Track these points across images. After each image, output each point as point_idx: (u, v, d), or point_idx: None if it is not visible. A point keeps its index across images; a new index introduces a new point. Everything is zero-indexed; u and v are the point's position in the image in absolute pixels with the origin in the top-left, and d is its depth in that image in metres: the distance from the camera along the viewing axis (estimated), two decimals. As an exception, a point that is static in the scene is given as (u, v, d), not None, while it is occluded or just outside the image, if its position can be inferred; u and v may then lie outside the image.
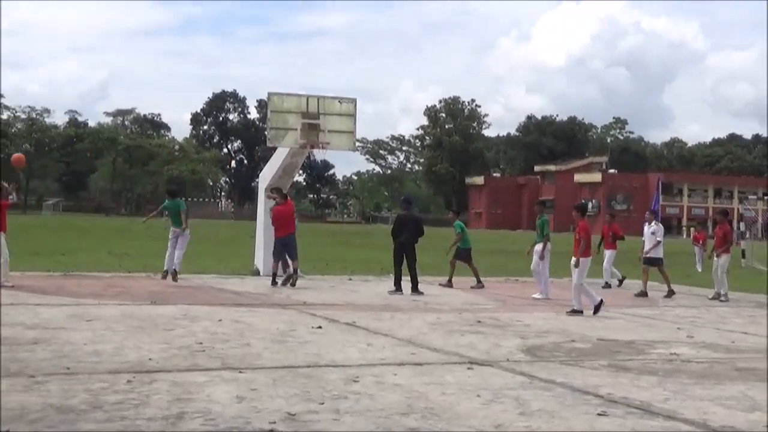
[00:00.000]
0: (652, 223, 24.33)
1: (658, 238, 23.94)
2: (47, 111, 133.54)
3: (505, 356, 12.26)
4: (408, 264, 22.18)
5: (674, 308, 20.76)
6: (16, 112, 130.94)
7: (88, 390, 9.30)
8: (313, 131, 25.90)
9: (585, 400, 9.61)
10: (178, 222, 22.81)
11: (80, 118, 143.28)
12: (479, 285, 23.96)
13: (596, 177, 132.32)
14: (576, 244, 18.37)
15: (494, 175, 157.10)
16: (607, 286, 25.54)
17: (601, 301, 18.17)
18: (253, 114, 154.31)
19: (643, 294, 23.17)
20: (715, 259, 22.94)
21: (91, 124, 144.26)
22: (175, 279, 22.00)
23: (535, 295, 21.60)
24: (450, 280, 24.19)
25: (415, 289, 21.76)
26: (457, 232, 24.60)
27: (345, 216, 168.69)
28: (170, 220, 23.15)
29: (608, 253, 26.26)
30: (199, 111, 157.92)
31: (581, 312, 17.87)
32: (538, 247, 21.94)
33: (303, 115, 25.90)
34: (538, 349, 13.27)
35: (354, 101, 27.23)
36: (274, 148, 27.14)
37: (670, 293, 23.29)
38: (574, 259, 18.22)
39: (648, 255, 23.95)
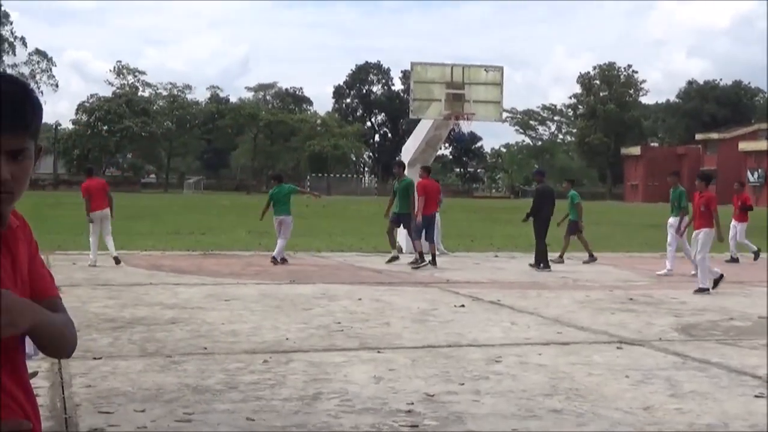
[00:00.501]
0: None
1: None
2: (188, 87, 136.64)
3: (657, 335, 12.11)
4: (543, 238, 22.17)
5: None
6: (157, 89, 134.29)
7: (224, 370, 9.55)
8: (457, 102, 25.89)
9: (742, 382, 9.43)
10: (282, 209, 22.63)
11: (221, 94, 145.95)
12: (592, 258, 23.74)
13: (763, 145, 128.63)
14: (698, 215, 17.95)
15: (652, 145, 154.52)
16: (733, 260, 24.88)
17: (722, 275, 17.80)
18: (398, 86, 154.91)
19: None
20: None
21: (233, 99, 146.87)
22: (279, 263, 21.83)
23: (659, 272, 21.08)
24: (561, 255, 23.87)
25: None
26: (575, 203, 24.19)
27: (493, 190, 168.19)
28: (276, 207, 22.88)
29: (739, 226, 25.65)
30: (341, 84, 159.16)
31: (707, 290, 17.36)
32: (673, 220, 21.40)
33: (447, 85, 25.92)
34: (693, 327, 13.07)
35: (501, 69, 27.10)
36: (418, 121, 27.25)
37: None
38: (695, 231, 17.89)
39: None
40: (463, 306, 14.80)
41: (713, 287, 17.38)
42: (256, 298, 15.39)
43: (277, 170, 25.23)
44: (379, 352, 10.71)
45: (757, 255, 25.53)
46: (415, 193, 22.49)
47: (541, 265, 21.72)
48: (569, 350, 11.07)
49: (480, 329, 12.45)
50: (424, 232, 22.13)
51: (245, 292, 16.07)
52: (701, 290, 17.27)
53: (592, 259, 23.65)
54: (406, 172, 27.21)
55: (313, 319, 13.05)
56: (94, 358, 10.05)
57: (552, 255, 22.86)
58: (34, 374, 8.41)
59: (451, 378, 9.32)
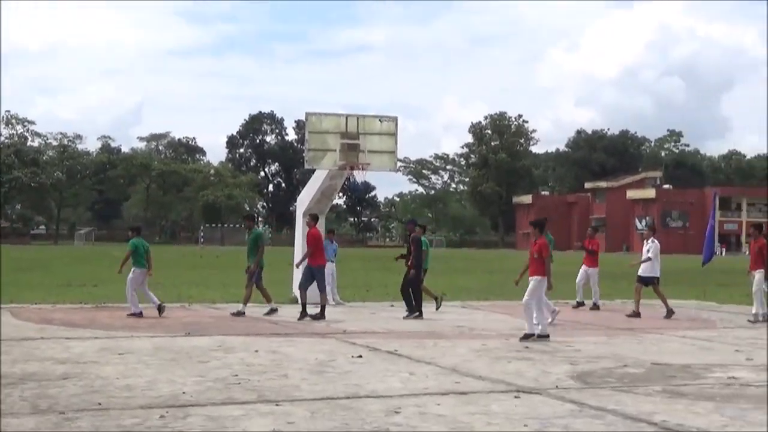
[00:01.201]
0: (649, 240, 23.69)
1: (649, 256, 23.27)
2: (79, 137, 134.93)
3: (554, 383, 12.18)
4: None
5: (733, 329, 20.56)
6: (47, 139, 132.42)
7: (119, 426, 9.35)
8: (352, 152, 25.92)
9: (638, 428, 9.53)
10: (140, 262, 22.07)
11: (113, 144, 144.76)
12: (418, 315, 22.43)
13: (650, 193, 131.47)
14: (532, 261, 17.96)
15: (543, 193, 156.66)
16: (580, 305, 25.23)
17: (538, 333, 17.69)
18: (291, 135, 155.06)
19: (636, 314, 22.71)
20: (751, 276, 22.19)
21: (125, 149, 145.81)
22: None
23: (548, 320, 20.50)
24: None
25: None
26: (424, 249, 24.02)
27: (387, 239, 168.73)
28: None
29: (590, 270, 25.65)
30: (235, 134, 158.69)
31: (532, 335, 17.51)
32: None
33: (342, 135, 25.93)
34: (589, 375, 13.18)
35: (395, 119, 27.23)
36: (312, 171, 27.23)
37: (669, 313, 22.86)
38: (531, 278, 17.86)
39: (640, 273, 23.48)
40: (360, 356, 14.75)
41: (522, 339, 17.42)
42: (151, 351, 15.15)
43: (136, 224, 24.98)
44: (277, 404, 10.60)
45: (580, 304, 25.38)
46: (303, 242, 22.67)
47: (417, 313, 21.92)
48: (468, 400, 11.08)
49: (378, 380, 12.40)
50: (314, 282, 21.87)
51: (139, 345, 15.81)
52: (526, 336, 17.45)
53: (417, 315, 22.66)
54: (301, 221, 27.24)
55: (209, 372, 12.88)
56: (-16, 416, 9.77)
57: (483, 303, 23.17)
58: None
59: (351, 430, 9.26)
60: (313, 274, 21.88)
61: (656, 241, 23.75)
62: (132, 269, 21.79)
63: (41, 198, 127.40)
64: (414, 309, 22.14)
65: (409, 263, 22.77)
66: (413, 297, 22.38)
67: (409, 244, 23.33)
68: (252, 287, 22.24)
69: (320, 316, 21.15)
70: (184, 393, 11.25)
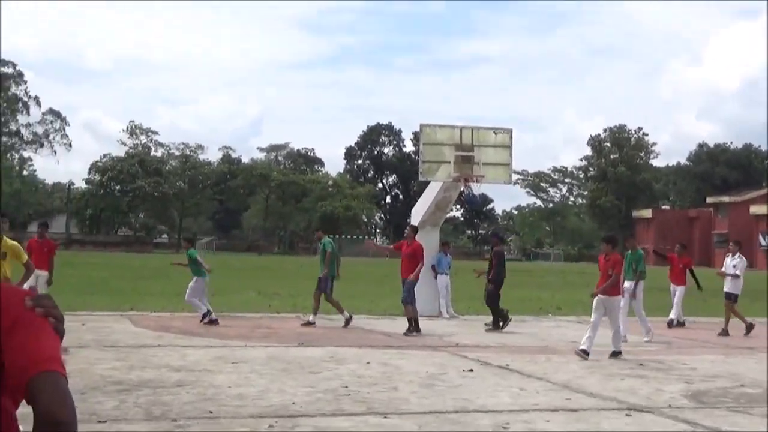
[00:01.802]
0: (736, 256, 23.03)
1: (737, 272, 22.67)
2: (201, 147, 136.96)
3: (666, 402, 11.99)
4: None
5: None
6: (170, 149, 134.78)
7: (229, 435, 9.48)
8: (467, 164, 25.89)
9: (752, 451, 9.33)
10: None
11: (234, 155, 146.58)
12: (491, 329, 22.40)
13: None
14: (603, 279, 17.36)
15: (663, 207, 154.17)
16: (676, 323, 24.16)
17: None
18: (409, 147, 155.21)
19: (725, 332, 22.09)
20: None
21: (245, 160, 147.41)
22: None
23: (645, 339, 20.54)
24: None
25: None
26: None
27: (505, 253, 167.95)
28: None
29: (679, 289, 24.53)
30: (353, 145, 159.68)
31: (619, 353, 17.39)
32: (628, 284, 20.73)
33: (456, 147, 25.93)
34: (704, 394, 12.94)
35: (510, 132, 27.12)
36: (428, 182, 27.23)
37: (749, 328, 22.38)
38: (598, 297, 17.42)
39: (726, 290, 22.84)
40: (471, 370, 14.70)
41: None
42: (264, 360, 15.32)
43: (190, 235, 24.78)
44: (385, 417, 10.62)
45: (670, 323, 24.12)
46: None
47: (501, 324, 22.01)
48: (578, 417, 10.97)
49: (488, 394, 12.36)
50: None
51: (253, 355, 16.00)
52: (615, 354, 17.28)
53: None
54: (417, 234, 27.22)
55: (320, 383, 12.97)
56: (99, 422, 10.00)
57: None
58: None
59: (458, 444, 9.24)
60: (407, 286, 21.71)
61: (743, 257, 23.28)
62: (194, 278, 22.57)
63: (164, 207, 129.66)
64: (494, 322, 22.28)
65: (490, 277, 22.74)
66: (491, 311, 22.54)
67: (491, 257, 23.30)
68: (320, 297, 22.36)
69: (410, 329, 20.87)
70: (293, 403, 11.35)
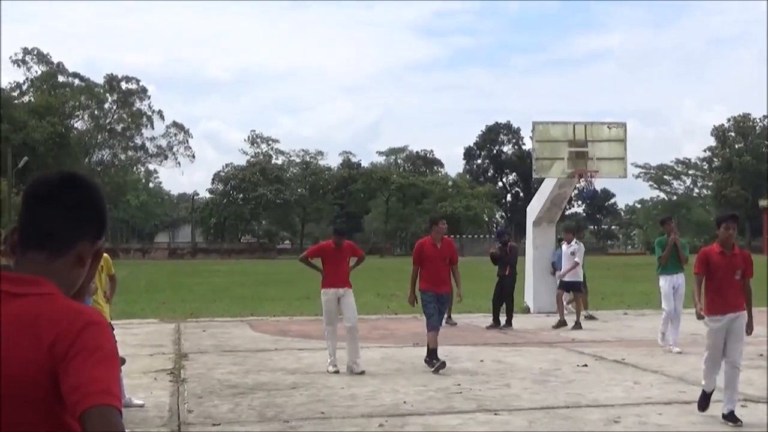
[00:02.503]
0: (572, 242, 22.16)
1: (576, 259, 21.75)
2: (321, 153, 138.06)
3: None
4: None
5: None
6: (290, 156, 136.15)
7: (340, 435, 9.60)
8: (581, 159, 25.69)
9: None
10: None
11: (353, 159, 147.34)
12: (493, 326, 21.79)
13: None
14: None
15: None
16: None
17: None
18: (528, 145, 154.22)
19: (562, 323, 21.11)
20: None
21: (364, 164, 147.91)
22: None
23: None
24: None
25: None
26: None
27: (629, 247, 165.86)
28: None
29: None
30: (472, 145, 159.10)
31: None
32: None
33: (570, 143, 25.74)
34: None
35: (623, 125, 26.80)
36: (543, 179, 27.11)
37: (561, 324, 21.14)
38: None
39: (564, 278, 21.96)
40: (585, 366, 14.62)
41: None
42: (378, 361, 15.44)
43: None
44: (496, 414, 10.64)
45: None
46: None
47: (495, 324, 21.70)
48: (691, 409, 10.83)
49: (601, 389, 12.28)
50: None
51: (368, 356, 16.10)
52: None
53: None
54: (531, 231, 27.14)
55: (432, 382, 13.04)
56: (214, 425, 10.22)
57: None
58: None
59: (568, 439, 9.22)
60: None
61: (581, 243, 22.66)
62: None
63: (286, 214, 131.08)
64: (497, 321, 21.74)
65: (507, 273, 22.31)
66: (505, 306, 21.95)
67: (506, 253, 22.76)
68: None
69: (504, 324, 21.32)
70: (405, 402, 11.44)
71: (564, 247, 22.67)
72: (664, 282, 17.32)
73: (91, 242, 2.60)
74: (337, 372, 13.97)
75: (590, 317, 23.04)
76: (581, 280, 22.44)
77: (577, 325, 20.91)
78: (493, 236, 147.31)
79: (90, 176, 2.74)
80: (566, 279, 22.07)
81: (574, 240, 22.57)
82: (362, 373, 13.81)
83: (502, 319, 21.63)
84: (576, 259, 22.00)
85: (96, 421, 2.24)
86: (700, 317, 10.96)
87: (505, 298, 21.89)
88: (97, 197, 2.64)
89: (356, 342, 14.48)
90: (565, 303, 22.28)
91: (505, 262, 22.39)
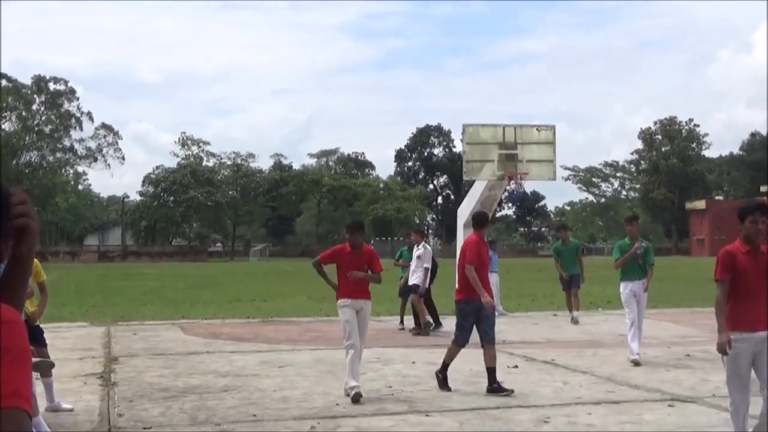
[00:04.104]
0: (420, 246, 21.45)
1: (425, 264, 21.11)
2: (252, 156, 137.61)
3: (711, 392, 11.93)
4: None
5: None
6: (221, 158, 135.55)
7: (272, 438, 9.58)
8: (510, 162, 25.81)
9: (793, 437, 9.26)
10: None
11: (285, 161, 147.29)
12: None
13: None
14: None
15: (717, 198, 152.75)
16: None
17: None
18: (459, 147, 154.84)
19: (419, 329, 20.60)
20: None
21: (296, 166, 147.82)
22: None
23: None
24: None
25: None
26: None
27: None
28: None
29: None
30: (403, 147, 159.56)
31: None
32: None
33: (500, 145, 25.86)
34: (751, 382, 12.84)
35: (553, 128, 26.99)
36: (473, 181, 27.22)
37: (421, 327, 20.70)
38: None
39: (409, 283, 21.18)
40: (516, 367, 14.73)
41: None
42: (310, 363, 15.43)
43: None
44: (427, 415, 10.69)
45: None
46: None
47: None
48: (620, 409, 10.96)
49: (531, 390, 12.38)
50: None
51: (300, 358, 16.11)
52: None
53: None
54: (462, 233, 27.20)
55: (365, 384, 12.99)
56: (144, 428, 10.16)
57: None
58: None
59: (497, 440, 9.28)
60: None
61: (428, 247, 21.91)
62: None
63: (217, 216, 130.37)
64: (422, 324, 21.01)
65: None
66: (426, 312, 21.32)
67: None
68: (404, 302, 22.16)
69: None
70: (337, 405, 11.45)
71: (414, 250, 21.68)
72: (624, 288, 16.16)
73: (2, 237, 2.50)
74: (358, 397, 11.68)
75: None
76: (417, 284, 21.09)
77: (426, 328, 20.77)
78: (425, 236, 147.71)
79: None
80: (410, 282, 21.17)
81: (423, 243, 21.79)
82: (357, 397, 11.59)
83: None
84: (425, 264, 21.21)
85: (3, 424, 2.21)
86: (723, 350, 8.53)
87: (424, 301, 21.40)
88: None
89: (358, 364, 12.25)
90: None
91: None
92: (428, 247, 22.09)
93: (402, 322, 22.10)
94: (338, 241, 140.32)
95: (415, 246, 21.82)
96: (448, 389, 12.57)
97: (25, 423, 2.24)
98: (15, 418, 2.23)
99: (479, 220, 13.91)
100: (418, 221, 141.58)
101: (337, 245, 13.64)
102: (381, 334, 20.09)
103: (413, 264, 21.42)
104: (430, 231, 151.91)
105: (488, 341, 12.61)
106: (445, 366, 12.94)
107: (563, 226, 18.85)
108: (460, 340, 12.93)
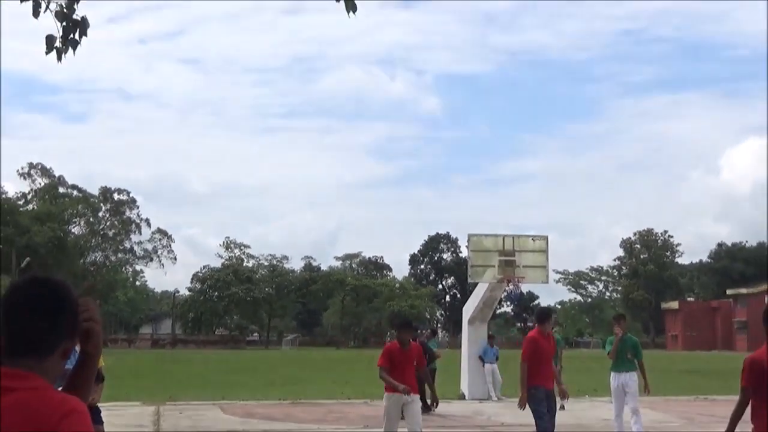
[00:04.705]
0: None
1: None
2: (286, 258, 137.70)
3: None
4: None
5: None
6: (259, 260, 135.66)
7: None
8: (509, 267, 25.88)
9: None
10: None
11: (314, 263, 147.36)
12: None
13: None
14: None
15: (688, 299, 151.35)
16: None
17: None
18: (464, 253, 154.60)
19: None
20: None
21: (323, 267, 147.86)
22: None
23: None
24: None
25: None
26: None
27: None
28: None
29: None
30: (416, 252, 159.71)
31: None
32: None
33: (500, 252, 25.95)
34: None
35: (545, 238, 27.09)
36: (476, 284, 27.20)
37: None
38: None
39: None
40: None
41: None
42: (334, 442, 15.21)
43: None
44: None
45: None
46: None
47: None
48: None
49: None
50: None
51: (324, 437, 15.90)
52: None
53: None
54: (466, 328, 27.07)
55: (379, 460, 12.83)
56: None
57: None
58: None
59: None
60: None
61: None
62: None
63: (255, 310, 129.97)
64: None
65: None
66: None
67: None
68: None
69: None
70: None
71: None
72: (613, 380, 15.40)
73: (71, 338, 2.62)
74: None
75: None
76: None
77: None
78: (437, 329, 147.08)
79: (58, 279, 2.74)
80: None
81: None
82: None
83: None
84: None
85: None
86: None
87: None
88: (69, 300, 2.63)
89: None
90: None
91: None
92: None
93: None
94: (360, 334, 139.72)
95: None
96: None
97: None
98: None
99: (540, 315, 12.86)
100: (429, 317, 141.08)
101: (386, 345, 12.17)
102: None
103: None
104: (438, 325, 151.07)
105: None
106: None
107: (620, 316, 16.81)
108: (541, 427, 11.96)
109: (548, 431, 11.92)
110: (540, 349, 11.92)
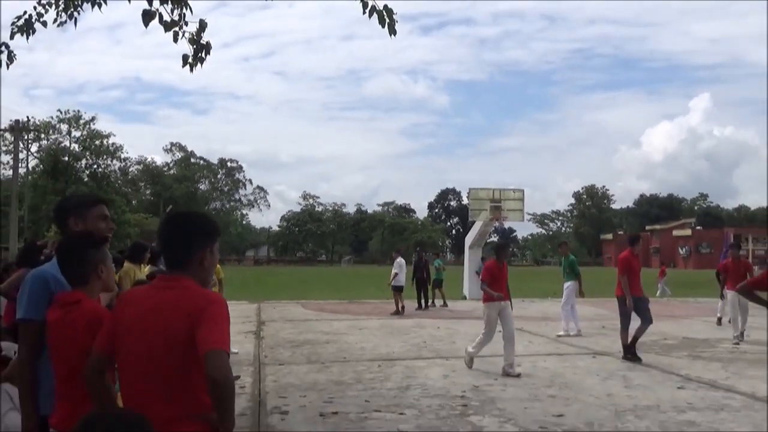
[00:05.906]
0: (397, 259, 19.55)
1: (395, 270, 19.21)
2: (344, 204, 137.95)
3: (618, 350, 11.58)
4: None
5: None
6: (326, 206, 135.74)
7: (354, 371, 9.45)
8: (496, 210, 25.74)
9: (670, 378, 8.99)
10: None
11: (363, 208, 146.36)
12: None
13: (687, 232, 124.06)
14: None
15: (619, 233, 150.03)
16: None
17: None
18: (466, 201, 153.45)
19: (398, 312, 18.35)
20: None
21: (369, 211, 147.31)
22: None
23: (559, 333, 14.11)
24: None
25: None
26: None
27: (524, 261, 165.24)
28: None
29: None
30: (432, 201, 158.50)
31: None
32: (570, 284, 14.80)
33: (490, 200, 25.83)
34: (642, 344, 12.46)
35: (522, 191, 26.92)
36: (473, 222, 27.07)
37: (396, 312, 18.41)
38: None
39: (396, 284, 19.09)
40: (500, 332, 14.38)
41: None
42: (378, 327, 15.25)
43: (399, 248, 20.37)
44: (447, 360, 10.50)
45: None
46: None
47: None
48: (563, 359, 10.70)
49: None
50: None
51: (371, 324, 15.94)
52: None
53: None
54: (467, 251, 26.93)
55: (409, 340, 12.88)
56: (279, 364, 10.07)
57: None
58: (238, 377, 8.39)
59: (490, 376, 9.08)
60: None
61: (401, 257, 19.70)
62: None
63: (322, 240, 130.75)
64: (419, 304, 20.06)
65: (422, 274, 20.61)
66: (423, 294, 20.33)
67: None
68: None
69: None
70: (393, 352, 11.29)
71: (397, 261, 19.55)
72: (566, 287, 14.80)
73: (209, 248, 2.64)
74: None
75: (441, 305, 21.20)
76: (401, 284, 19.14)
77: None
78: (443, 254, 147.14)
79: (192, 212, 2.78)
80: (393, 284, 19.18)
81: (399, 257, 19.81)
82: (518, 375, 9.06)
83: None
84: (395, 270, 19.37)
85: (212, 359, 2.33)
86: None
87: (422, 289, 20.45)
88: (202, 222, 2.69)
89: (512, 348, 9.49)
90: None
91: (420, 267, 21.11)
92: (402, 259, 19.84)
93: (433, 303, 21.50)
94: (391, 256, 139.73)
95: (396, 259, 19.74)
96: (639, 360, 10.35)
97: (225, 359, 2.38)
98: (220, 355, 2.37)
99: (631, 239, 11.41)
100: (440, 245, 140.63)
101: (486, 263, 10.71)
102: (410, 309, 19.86)
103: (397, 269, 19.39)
104: (447, 250, 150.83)
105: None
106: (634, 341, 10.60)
107: (564, 243, 16.38)
108: (626, 324, 10.77)
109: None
110: (496, 272, 10.59)
